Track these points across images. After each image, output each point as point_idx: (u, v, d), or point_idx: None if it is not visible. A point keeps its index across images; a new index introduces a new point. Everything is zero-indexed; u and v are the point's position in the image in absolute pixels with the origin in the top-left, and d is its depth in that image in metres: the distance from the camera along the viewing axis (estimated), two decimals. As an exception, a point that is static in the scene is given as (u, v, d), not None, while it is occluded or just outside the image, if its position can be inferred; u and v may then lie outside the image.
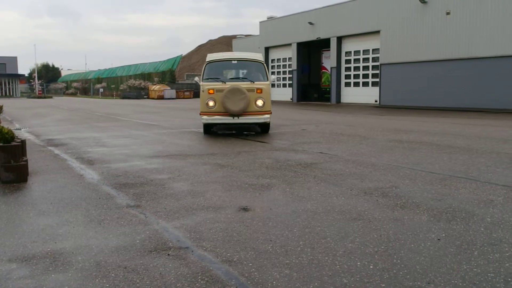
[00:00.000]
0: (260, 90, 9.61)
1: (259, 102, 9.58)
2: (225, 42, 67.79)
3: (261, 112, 9.67)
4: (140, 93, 50.24)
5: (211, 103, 9.52)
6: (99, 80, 68.39)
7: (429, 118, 14.61)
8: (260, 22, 32.12)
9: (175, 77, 58.39)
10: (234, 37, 47.06)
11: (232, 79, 10.20)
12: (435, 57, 19.90)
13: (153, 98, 45.45)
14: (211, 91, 9.54)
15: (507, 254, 2.98)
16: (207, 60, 10.23)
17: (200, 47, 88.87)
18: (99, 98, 53.09)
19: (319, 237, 3.35)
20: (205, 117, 9.70)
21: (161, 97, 44.68)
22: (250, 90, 9.51)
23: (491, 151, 7.35)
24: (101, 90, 59.81)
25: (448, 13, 19.09)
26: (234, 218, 3.86)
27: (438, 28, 19.75)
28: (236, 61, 10.43)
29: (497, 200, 4.33)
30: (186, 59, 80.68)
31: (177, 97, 45.23)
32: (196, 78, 10.24)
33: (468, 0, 18.61)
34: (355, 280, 2.62)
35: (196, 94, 47.98)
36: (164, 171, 6.02)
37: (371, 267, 2.80)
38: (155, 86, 49.37)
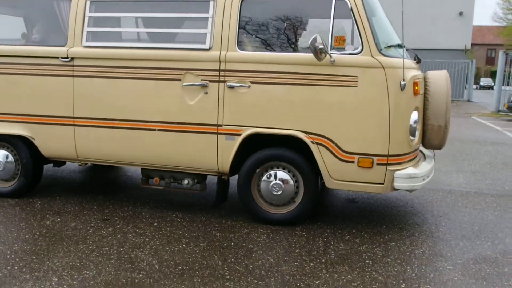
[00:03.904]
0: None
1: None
2: None
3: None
4: None
5: (416, 131, 3.44)
6: None
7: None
8: None
9: None
10: None
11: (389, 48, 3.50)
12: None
13: None
14: (417, 89, 3.32)
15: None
16: None
17: None
18: None
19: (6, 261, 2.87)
20: (407, 171, 3.25)
21: None
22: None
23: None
24: None
25: None
26: None
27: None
28: None
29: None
30: None
31: None
32: (318, 40, 2.97)
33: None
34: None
35: None
36: None
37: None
38: None
